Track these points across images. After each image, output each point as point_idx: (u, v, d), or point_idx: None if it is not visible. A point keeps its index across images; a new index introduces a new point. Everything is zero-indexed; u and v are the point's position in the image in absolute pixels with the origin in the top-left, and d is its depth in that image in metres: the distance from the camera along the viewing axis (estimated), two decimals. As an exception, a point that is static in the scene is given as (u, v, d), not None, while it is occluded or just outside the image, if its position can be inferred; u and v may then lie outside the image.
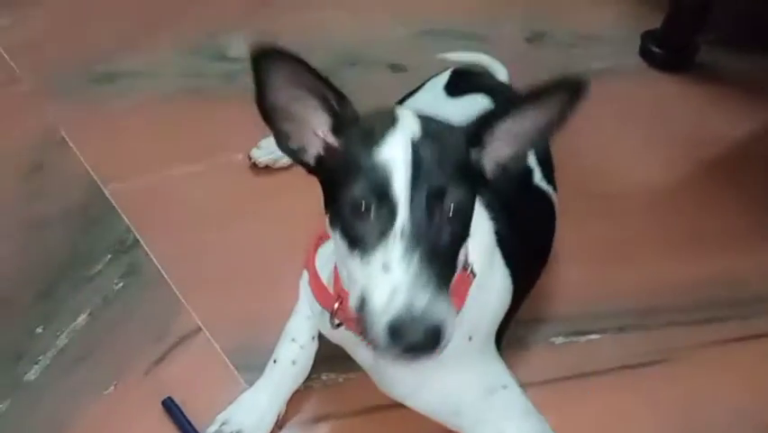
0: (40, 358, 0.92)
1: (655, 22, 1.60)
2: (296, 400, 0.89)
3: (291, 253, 0.91)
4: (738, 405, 0.94)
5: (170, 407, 0.86)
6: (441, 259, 0.60)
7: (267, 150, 1.22)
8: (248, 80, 1.53)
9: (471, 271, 0.75)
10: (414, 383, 0.78)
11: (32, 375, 0.91)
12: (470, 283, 0.75)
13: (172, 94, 1.39)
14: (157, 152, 1.25)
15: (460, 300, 0.74)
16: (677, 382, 0.96)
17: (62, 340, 0.95)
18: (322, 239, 0.82)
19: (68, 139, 1.26)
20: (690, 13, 1.55)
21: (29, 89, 1.39)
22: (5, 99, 1.36)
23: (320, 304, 0.79)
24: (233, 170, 1.23)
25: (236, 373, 0.93)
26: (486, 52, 1.51)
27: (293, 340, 0.90)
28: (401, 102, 1.24)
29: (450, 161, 0.62)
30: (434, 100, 1.14)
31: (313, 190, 0.68)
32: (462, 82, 1.17)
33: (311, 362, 0.90)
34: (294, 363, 0.89)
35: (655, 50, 1.59)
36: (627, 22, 1.69)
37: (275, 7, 1.70)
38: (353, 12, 1.69)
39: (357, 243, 0.61)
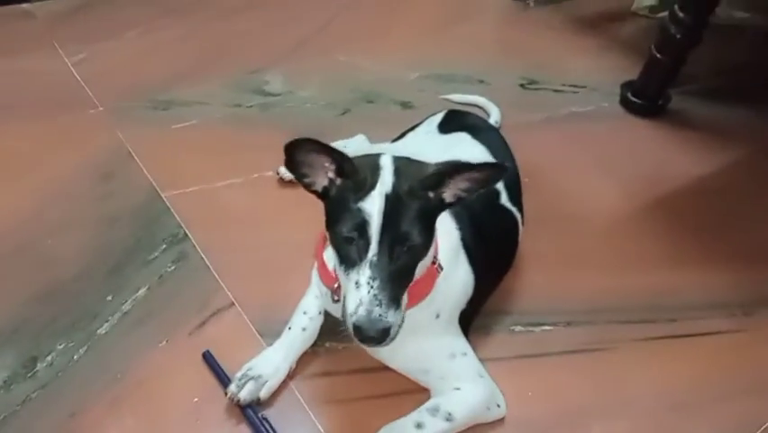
0: (109, 318, 1.18)
1: (634, 73, 1.84)
2: (304, 359, 1.13)
3: (306, 251, 1.15)
4: (658, 387, 1.16)
5: (208, 357, 1.12)
6: (395, 282, 0.88)
7: None
8: (280, 111, 1.85)
9: (439, 266, 1.01)
10: (392, 349, 1.02)
11: (103, 330, 1.17)
12: (437, 275, 1.00)
13: (218, 120, 1.67)
14: (204, 166, 1.52)
15: (427, 287, 0.99)
16: (610, 367, 1.18)
17: (127, 306, 1.21)
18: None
19: (133, 153, 1.54)
20: (663, 69, 1.78)
21: (102, 112, 1.68)
22: (83, 120, 1.65)
23: (325, 285, 1.05)
24: (265, 184, 1.49)
25: (260, 337, 1.17)
26: (485, 95, 1.78)
27: (304, 313, 1.14)
28: (405, 134, 1.49)
29: (412, 209, 0.87)
30: (428, 135, 1.40)
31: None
32: (452, 122, 1.42)
33: (317, 331, 1.14)
34: (304, 330, 1.13)
35: (632, 98, 1.83)
36: (610, 73, 1.93)
37: (307, 51, 1.98)
38: (374, 57, 1.95)
39: (343, 260, 0.90)
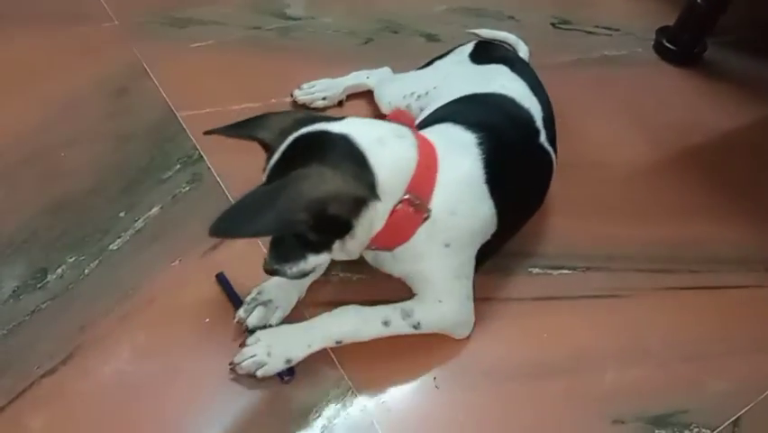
0: (121, 234, 1.16)
1: (671, 19, 1.76)
2: (317, 287, 1.12)
3: None
4: (673, 337, 1.14)
5: (222, 279, 1.10)
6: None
7: (306, 91, 1.44)
8: (301, 36, 1.78)
9: (428, 212, 0.98)
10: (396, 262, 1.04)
11: (115, 246, 1.14)
12: (419, 221, 0.98)
13: (236, 42, 1.61)
14: (220, 88, 1.46)
15: (402, 233, 0.98)
16: (627, 314, 1.17)
17: (139, 224, 1.18)
18: None
19: (149, 70, 1.49)
20: (700, 17, 1.71)
21: (117, 26, 1.62)
22: (98, 33, 1.59)
23: None
24: (282, 109, 1.45)
25: (272, 263, 1.16)
26: (514, 32, 1.70)
27: None
28: (432, 62, 1.42)
29: None
30: (460, 65, 1.34)
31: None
32: (485, 53, 1.36)
33: (328, 262, 1.08)
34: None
35: (667, 44, 1.76)
36: (646, 17, 1.85)
37: (331, -24, 1.90)
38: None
39: None
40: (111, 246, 1.15)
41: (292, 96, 1.44)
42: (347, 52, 1.62)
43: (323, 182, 0.88)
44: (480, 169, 1.04)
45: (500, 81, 1.22)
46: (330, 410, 1.00)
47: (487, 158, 1.05)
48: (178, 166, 1.29)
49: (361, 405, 1.01)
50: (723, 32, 1.80)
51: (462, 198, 1.02)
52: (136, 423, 0.98)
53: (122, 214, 1.20)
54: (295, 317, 1.08)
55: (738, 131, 1.59)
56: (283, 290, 1.08)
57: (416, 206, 0.96)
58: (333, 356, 1.05)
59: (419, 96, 1.31)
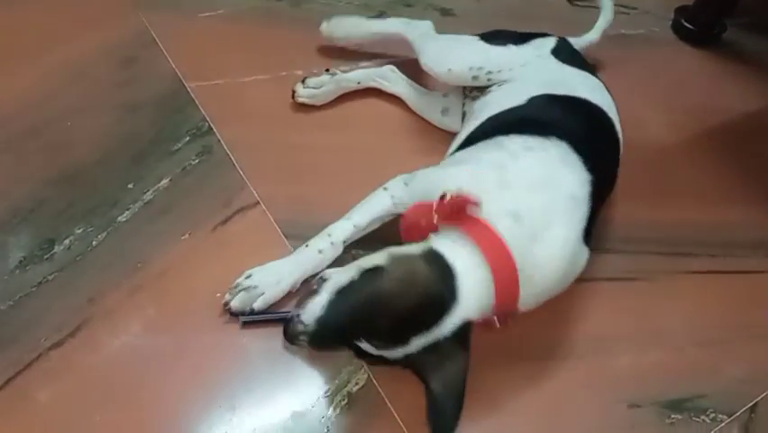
0: (130, 206, 1.14)
1: (690, -1, 1.73)
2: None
3: (332, 156, 1.16)
4: (689, 321, 1.13)
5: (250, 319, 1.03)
6: None
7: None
8: (314, 7, 1.73)
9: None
10: None
11: (123, 218, 1.12)
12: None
13: (247, 12, 1.55)
14: (231, 59, 1.43)
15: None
16: (644, 297, 1.15)
17: (148, 196, 1.16)
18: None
19: (158, 40, 1.44)
20: (720, -3, 1.68)
21: (125, -5, 1.58)
22: (106, 1, 1.56)
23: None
24: (293, 83, 1.39)
25: (284, 238, 1.13)
26: (533, 8, 1.67)
27: (329, 235, 1.07)
28: (498, 40, 1.27)
29: None
30: (542, 59, 1.24)
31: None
32: (569, 53, 1.28)
33: (333, 259, 1.06)
34: (320, 252, 1.06)
35: (686, 24, 1.71)
36: (665, -4, 1.82)
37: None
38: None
39: None
40: (120, 218, 1.13)
41: (321, 29, 1.41)
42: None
43: None
44: (580, 229, 0.97)
45: (600, 95, 1.18)
46: (343, 388, 0.98)
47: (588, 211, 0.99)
48: (188, 138, 1.26)
49: (375, 383, 1.00)
50: (743, 13, 1.76)
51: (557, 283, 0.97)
52: (144, 397, 0.96)
53: (130, 186, 1.17)
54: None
55: (758, 114, 1.56)
56: (275, 277, 1.04)
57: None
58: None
59: (490, 73, 1.22)
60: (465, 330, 0.88)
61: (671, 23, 1.74)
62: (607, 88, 1.23)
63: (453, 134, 1.24)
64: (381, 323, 0.85)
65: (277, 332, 0.99)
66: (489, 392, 1.01)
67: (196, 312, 1.03)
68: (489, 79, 1.23)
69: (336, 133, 1.31)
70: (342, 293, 0.87)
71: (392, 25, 1.41)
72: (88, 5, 1.51)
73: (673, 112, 1.53)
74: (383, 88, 1.38)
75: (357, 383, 0.99)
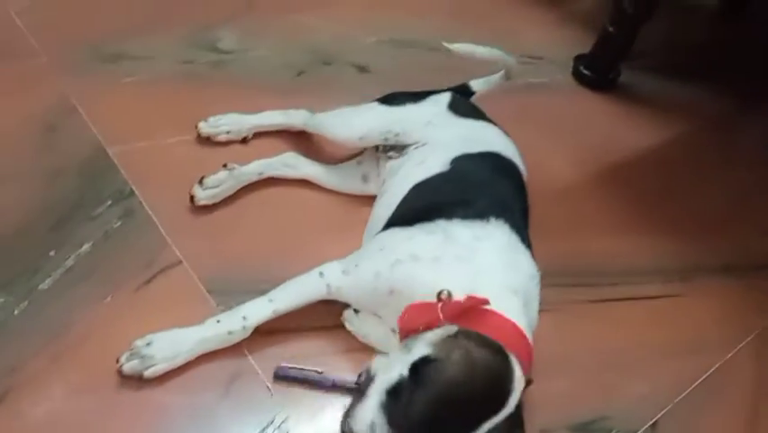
0: (51, 273, 1.15)
1: (588, 47, 1.87)
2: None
3: (255, 210, 1.21)
4: (596, 347, 1.21)
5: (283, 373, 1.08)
6: None
7: (212, 123, 1.43)
8: (233, 69, 1.79)
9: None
10: None
11: (44, 285, 1.13)
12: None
13: (169, 76, 1.61)
14: (154, 122, 1.47)
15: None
16: (551, 327, 1.20)
17: (70, 262, 1.17)
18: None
19: (78, 107, 1.48)
20: (614, 43, 1.82)
21: (46, 63, 1.61)
22: (25, 70, 1.57)
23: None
24: (217, 142, 1.47)
25: (208, 295, 1.17)
26: (443, 63, 1.77)
27: (243, 318, 1.07)
28: (396, 101, 1.37)
29: None
30: (442, 117, 1.33)
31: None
32: (464, 106, 1.38)
33: (238, 342, 1.08)
34: (229, 333, 1.06)
35: (584, 71, 1.86)
36: (565, 45, 1.94)
37: (261, 9, 1.91)
38: (330, 17, 1.90)
39: None
40: (41, 286, 1.14)
41: (197, 127, 1.43)
42: (280, 84, 1.65)
43: None
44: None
45: (499, 142, 1.29)
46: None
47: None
48: (109, 202, 1.29)
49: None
50: (637, 57, 1.92)
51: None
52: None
53: (51, 253, 1.19)
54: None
55: (652, 148, 1.70)
56: (174, 350, 1.05)
57: None
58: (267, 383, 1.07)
59: (398, 135, 1.31)
60: (519, 406, 0.88)
61: (571, 70, 1.89)
62: (505, 132, 1.34)
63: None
64: (452, 415, 0.83)
65: (198, 387, 1.03)
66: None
67: (117, 374, 1.05)
68: (398, 140, 1.31)
69: (255, 188, 1.37)
70: (393, 393, 0.85)
71: (271, 118, 1.47)
72: (8, 75, 1.54)
73: (576, 151, 1.65)
74: (287, 176, 1.38)
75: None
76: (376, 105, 1.39)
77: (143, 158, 1.39)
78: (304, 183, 1.39)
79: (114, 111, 1.48)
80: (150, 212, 1.28)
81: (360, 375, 0.91)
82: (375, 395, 0.85)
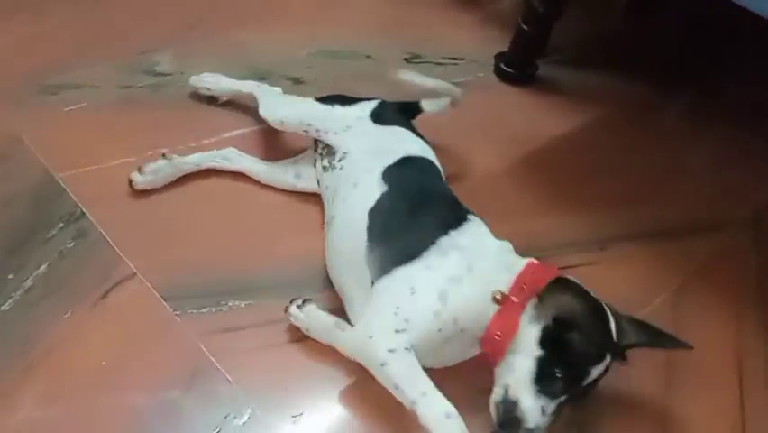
0: (12, 295, 1.20)
1: (507, 45, 2.01)
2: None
3: (202, 221, 1.30)
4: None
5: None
6: None
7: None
8: (172, 91, 1.87)
9: None
10: None
11: (6, 307, 1.19)
12: None
13: (110, 101, 1.67)
14: (98, 147, 1.52)
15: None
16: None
17: (28, 283, 1.23)
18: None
19: (24, 138, 1.53)
20: (529, 41, 1.96)
21: (-10, 98, 1.66)
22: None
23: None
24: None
25: (164, 302, 1.24)
26: (371, 70, 1.89)
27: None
28: (328, 101, 1.47)
29: None
30: (362, 122, 1.43)
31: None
32: (390, 112, 1.47)
33: None
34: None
35: (504, 68, 1.99)
36: (486, 45, 2.06)
37: (200, 30, 1.99)
38: (265, 34, 1.99)
39: None
40: (2, 307, 1.20)
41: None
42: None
43: None
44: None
45: (408, 145, 1.39)
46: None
47: None
48: (61, 224, 1.35)
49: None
50: (553, 52, 2.08)
51: None
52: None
53: (10, 276, 1.24)
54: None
55: (571, 135, 1.84)
56: None
57: None
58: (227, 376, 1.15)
59: (318, 131, 1.41)
60: None
61: (493, 68, 2.02)
62: (417, 133, 1.47)
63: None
64: (600, 335, 1.08)
65: (162, 386, 1.11)
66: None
67: (84, 380, 1.12)
68: (319, 136, 1.42)
69: (200, 200, 1.46)
70: (540, 377, 1.03)
71: (248, 85, 1.63)
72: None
73: (501, 143, 1.77)
74: (224, 168, 1.47)
75: (242, 418, 1.11)
76: (311, 100, 1.51)
77: (91, 181, 1.46)
78: (254, 187, 1.49)
79: (59, 139, 1.54)
80: (101, 230, 1.35)
81: (497, 409, 1.04)
82: (526, 392, 1.03)
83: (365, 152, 1.35)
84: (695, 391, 1.28)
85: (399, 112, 1.52)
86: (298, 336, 1.22)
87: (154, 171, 1.40)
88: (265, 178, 1.49)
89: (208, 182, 1.49)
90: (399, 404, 1.05)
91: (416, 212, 1.19)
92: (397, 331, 1.03)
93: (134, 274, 1.28)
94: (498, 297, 1.07)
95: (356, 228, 1.19)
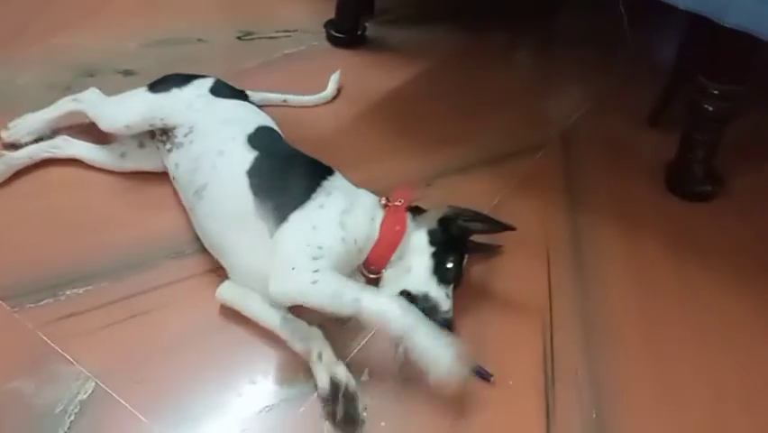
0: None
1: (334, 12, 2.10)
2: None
3: (42, 218, 1.32)
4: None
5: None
6: None
7: (12, 131, 1.51)
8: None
9: None
10: None
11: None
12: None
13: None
14: None
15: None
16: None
17: None
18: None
19: None
20: (353, 4, 2.06)
21: None
22: None
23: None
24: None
25: (2, 302, 1.26)
26: (204, 53, 1.93)
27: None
28: (162, 88, 1.48)
29: None
30: (202, 98, 1.47)
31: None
32: (227, 89, 1.54)
33: None
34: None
35: (335, 34, 2.08)
36: (316, 15, 2.14)
37: (24, 39, 1.97)
38: (93, 34, 2.00)
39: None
40: None
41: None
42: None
43: None
44: None
45: (255, 116, 1.48)
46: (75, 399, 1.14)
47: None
48: None
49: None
50: (381, 13, 2.19)
51: None
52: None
53: None
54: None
55: (403, 86, 1.95)
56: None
57: None
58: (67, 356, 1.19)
59: (162, 119, 1.43)
60: None
61: (324, 35, 2.10)
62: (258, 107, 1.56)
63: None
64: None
65: (2, 377, 1.14)
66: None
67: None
68: (165, 124, 1.44)
69: (35, 198, 1.47)
70: (437, 265, 1.24)
71: (62, 107, 1.58)
72: None
73: (339, 103, 1.87)
74: (57, 156, 1.51)
75: (86, 392, 1.15)
76: (143, 91, 1.50)
77: None
78: (88, 175, 1.52)
79: None
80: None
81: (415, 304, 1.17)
82: (430, 284, 1.23)
83: (217, 122, 1.41)
84: (514, 273, 1.43)
85: (235, 90, 1.58)
86: (139, 311, 1.27)
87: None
88: (97, 161, 1.52)
89: (37, 176, 1.51)
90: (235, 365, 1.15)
91: (291, 168, 1.32)
92: (314, 258, 1.14)
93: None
94: (384, 201, 1.31)
95: (236, 189, 1.28)
